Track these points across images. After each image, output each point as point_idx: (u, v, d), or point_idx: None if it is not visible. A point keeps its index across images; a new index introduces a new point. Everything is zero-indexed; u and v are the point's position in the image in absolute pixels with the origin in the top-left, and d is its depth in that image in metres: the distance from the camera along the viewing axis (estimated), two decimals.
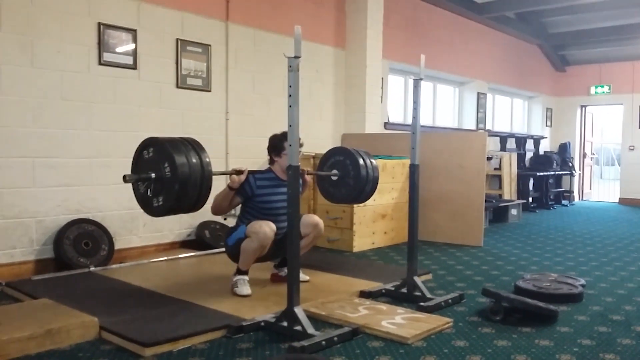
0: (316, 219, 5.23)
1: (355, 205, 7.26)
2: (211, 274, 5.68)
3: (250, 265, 5.01)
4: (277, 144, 5.08)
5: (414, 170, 5.02)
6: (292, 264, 3.98)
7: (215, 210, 4.93)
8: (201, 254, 6.64)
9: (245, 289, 4.95)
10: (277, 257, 5.40)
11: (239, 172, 4.79)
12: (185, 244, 7.08)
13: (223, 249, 6.11)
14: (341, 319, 4.24)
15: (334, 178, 5.49)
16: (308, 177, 5.26)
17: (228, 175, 5.07)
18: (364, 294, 5.09)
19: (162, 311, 4.32)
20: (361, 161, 5.39)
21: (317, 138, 8.71)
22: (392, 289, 5.09)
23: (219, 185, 6.59)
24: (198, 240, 7.07)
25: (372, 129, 9.13)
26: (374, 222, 7.68)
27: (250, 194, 5.01)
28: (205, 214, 6.64)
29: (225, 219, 7.26)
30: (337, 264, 6.30)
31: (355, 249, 7.45)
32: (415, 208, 5.03)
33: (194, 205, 3.89)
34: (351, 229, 7.43)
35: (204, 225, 7.24)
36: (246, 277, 5.03)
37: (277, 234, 4.95)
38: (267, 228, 4.79)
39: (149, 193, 3.91)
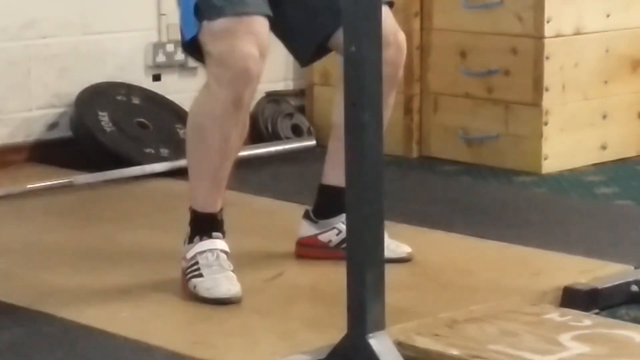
0: (392, 23, 2.58)
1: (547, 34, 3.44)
2: (122, 237, 3.13)
3: (222, 187, 2.32)
4: None
5: None
6: (360, 197, 1.84)
7: None
8: (85, 180, 3.54)
9: (222, 281, 2.32)
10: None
11: None
12: (39, 151, 4.00)
13: (142, 170, 3.42)
14: None
15: None
16: None
17: None
18: (572, 296, 2.79)
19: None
20: None
21: None
22: None
23: None
24: (74, 140, 3.65)
25: None
26: (604, 84, 3.56)
27: None
28: (90, 65, 3.79)
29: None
30: (491, 207, 3.48)
31: (549, 166, 3.65)
32: None
33: None
34: (538, 107, 3.53)
35: (91, 97, 3.62)
36: (220, 244, 2.34)
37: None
38: (246, 44, 2.26)
39: None
